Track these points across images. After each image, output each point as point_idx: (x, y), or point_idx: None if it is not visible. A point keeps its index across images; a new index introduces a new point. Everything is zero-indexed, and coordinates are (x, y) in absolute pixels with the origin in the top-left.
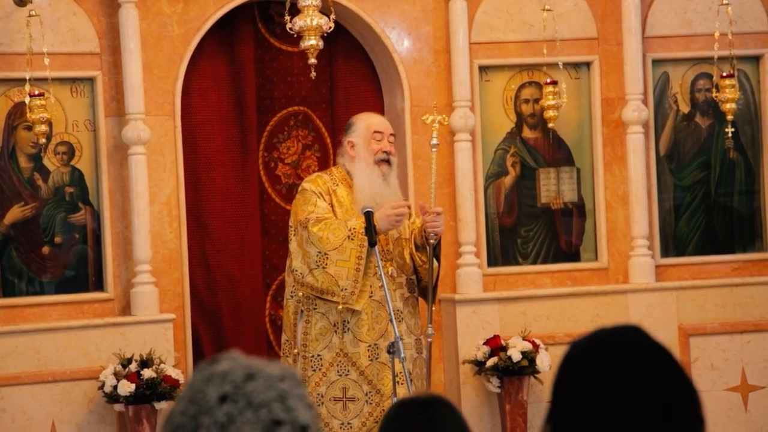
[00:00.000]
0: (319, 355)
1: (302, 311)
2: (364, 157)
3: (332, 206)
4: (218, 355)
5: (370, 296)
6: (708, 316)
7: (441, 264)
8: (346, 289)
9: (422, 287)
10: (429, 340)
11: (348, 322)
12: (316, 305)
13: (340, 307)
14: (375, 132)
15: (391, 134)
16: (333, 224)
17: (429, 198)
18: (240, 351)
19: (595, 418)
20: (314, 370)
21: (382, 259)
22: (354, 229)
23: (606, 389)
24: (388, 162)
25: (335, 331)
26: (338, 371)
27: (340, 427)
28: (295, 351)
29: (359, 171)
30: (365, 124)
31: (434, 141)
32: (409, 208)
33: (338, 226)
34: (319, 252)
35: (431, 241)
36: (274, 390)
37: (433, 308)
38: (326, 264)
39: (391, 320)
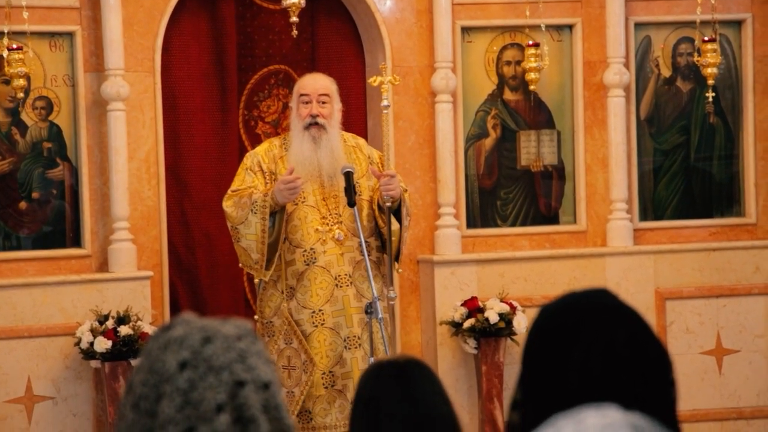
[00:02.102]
0: (270, 322)
1: (260, 278)
2: (295, 123)
3: (271, 176)
4: (171, 320)
5: (314, 262)
6: (684, 280)
7: (421, 226)
8: (257, 262)
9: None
10: (391, 303)
11: (294, 289)
12: None
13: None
14: (301, 95)
15: (323, 94)
16: (243, 199)
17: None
18: (217, 309)
19: (567, 381)
20: (269, 337)
21: (330, 223)
22: (256, 202)
23: (578, 353)
24: (316, 125)
25: (284, 298)
26: (285, 340)
27: (286, 395)
28: (255, 317)
29: (294, 137)
30: (296, 88)
31: (385, 102)
32: (296, 178)
33: (245, 201)
34: (232, 227)
35: (387, 204)
36: (233, 351)
37: (399, 269)
38: (239, 238)
39: (369, 280)
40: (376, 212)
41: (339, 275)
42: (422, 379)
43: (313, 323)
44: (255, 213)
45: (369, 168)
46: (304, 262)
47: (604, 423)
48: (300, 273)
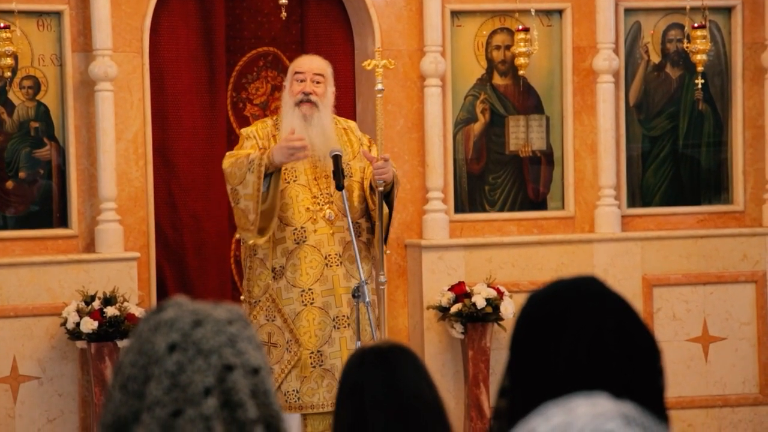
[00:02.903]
0: (259, 301)
1: (248, 257)
2: (287, 100)
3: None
4: (163, 302)
5: (304, 241)
6: (672, 267)
7: (409, 210)
8: (254, 223)
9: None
10: (382, 287)
11: (284, 268)
12: (255, 251)
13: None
14: (296, 73)
15: (318, 74)
16: (240, 159)
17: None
18: (204, 291)
19: (555, 369)
20: (254, 317)
21: (321, 202)
22: (252, 161)
23: (566, 341)
24: (309, 102)
25: (273, 277)
26: (266, 316)
27: None
28: (242, 297)
29: (285, 114)
30: (291, 67)
31: (379, 86)
32: (302, 142)
33: (242, 161)
34: (231, 188)
35: (380, 188)
36: (223, 335)
37: (387, 251)
38: (238, 199)
39: (357, 263)
40: (367, 193)
41: (329, 255)
42: (406, 365)
43: (303, 302)
44: (251, 171)
45: (360, 150)
46: (294, 240)
47: (594, 412)
48: (290, 251)
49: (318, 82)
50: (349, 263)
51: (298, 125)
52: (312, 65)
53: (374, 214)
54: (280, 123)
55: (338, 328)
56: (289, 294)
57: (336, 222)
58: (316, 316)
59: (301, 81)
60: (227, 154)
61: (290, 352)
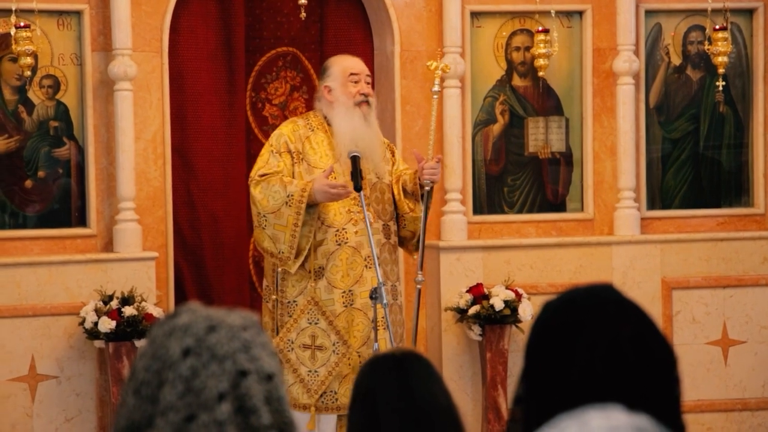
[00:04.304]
0: (294, 301)
1: None
2: (343, 101)
3: (299, 156)
4: (177, 308)
5: (345, 242)
6: (691, 270)
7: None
8: (282, 252)
9: (402, 236)
10: (418, 287)
11: (323, 269)
12: None
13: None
14: (351, 74)
15: (367, 75)
16: (274, 186)
17: (426, 145)
18: (222, 291)
19: (570, 379)
20: (290, 316)
21: (360, 204)
22: (292, 195)
23: (581, 350)
24: (367, 103)
25: (311, 278)
26: (308, 319)
27: (308, 374)
28: (274, 297)
29: (339, 115)
30: (341, 67)
31: (436, 88)
32: (344, 187)
33: (278, 190)
34: (259, 213)
35: (427, 188)
36: (237, 340)
37: (415, 256)
38: (266, 225)
39: (374, 266)
40: (399, 195)
41: (368, 256)
42: (420, 371)
43: (344, 303)
44: (290, 206)
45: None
46: (336, 242)
47: (609, 425)
48: (331, 252)
49: (368, 83)
50: (385, 265)
51: (359, 125)
52: (364, 67)
53: (407, 217)
54: (313, 125)
55: (377, 329)
56: (330, 295)
57: (373, 224)
58: (356, 317)
59: (356, 82)
60: (255, 178)
61: (337, 354)
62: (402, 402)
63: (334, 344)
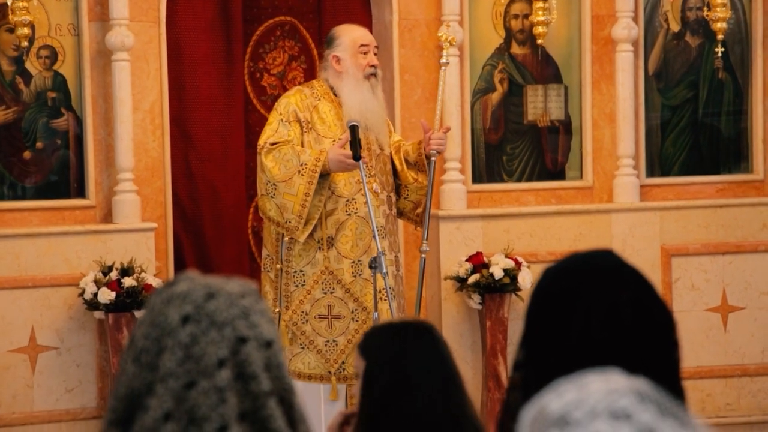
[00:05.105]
0: (301, 271)
1: None
2: (353, 72)
3: (308, 125)
4: (175, 276)
5: (355, 212)
6: (691, 237)
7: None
8: (290, 222)
9: (401, 207)
10: (423, 256)
11: (333, 239)
12: None
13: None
14: (361, 45)
15: (375, 46)
16: (286, 155)
17: (433, 115)
18: (221, 262)
19: (569, 344)
20: (297, 286)
21: (368, 174)
22: (305, 164)
23: (580, 315)
24: (375, 75)
25: (319, 248)
26: (323, 289)
27: (325, 345)
28: (278, 266)
29: (348, 86)
30: (350, 37)
31: (444, 59)
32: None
33: (291, 158)
34: (269, 181)
35: (433, 158)
36: (236, 307)
37: (417, 227)
38: (274, 194)
39: (374, 236)
40: (402, 165)
41: (377, 226)
42: (421, 341)
43: (353, 273)
44: (302, 175)
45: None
46: (346, 212)
47: (608, 389)
48: (341, 222)
49: (375, 54)
50: (390, 235)
51: (368, 98)
52: (372, 38)
53: (411, 187)
54: (326, 92)
55: (383, 300)
56: (340, 265)
57: (380, 194)
58: (364, 287)
59: (365, 53)
60: (266, 146)
61: (357, 321)
62: (436, 364)
63: (353, 311)
